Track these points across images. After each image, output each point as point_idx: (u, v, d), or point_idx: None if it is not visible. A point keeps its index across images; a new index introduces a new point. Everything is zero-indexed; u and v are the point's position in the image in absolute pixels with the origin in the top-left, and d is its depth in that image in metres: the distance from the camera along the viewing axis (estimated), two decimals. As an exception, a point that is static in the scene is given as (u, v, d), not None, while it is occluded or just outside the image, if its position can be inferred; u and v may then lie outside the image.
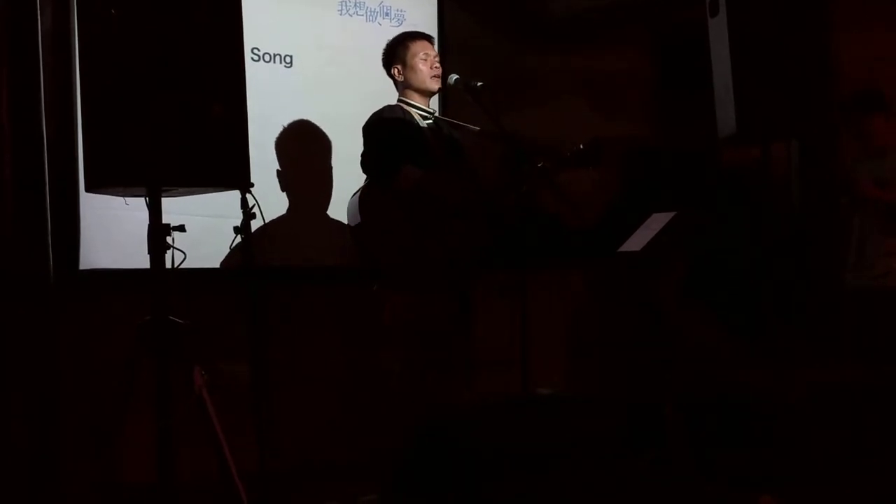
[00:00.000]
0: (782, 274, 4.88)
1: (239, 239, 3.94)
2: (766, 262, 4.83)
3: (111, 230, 4.75)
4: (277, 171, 5.15)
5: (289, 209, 5.18)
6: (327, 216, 5.26)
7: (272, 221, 5.01)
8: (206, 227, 4.24)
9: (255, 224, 4.00)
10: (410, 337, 4.55)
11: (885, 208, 5.29)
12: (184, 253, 3.73)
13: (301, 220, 5.26)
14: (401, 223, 4.49)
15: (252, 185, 3.77)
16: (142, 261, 3.67)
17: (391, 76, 4.82)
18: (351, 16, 5.59)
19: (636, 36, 6.54)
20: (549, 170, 4.52)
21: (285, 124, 5.21)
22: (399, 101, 4.79)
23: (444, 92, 4.98)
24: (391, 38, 4.90)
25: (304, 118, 5.27)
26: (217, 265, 4.80)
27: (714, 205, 5.89)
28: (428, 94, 4.78)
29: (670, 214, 4.87)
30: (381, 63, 4.85)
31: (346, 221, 4.69)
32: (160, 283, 3.65)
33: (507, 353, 4.91)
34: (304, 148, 5.29)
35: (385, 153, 4.57)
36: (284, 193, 5.16)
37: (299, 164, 5.28)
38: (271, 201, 5.06)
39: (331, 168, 5.29)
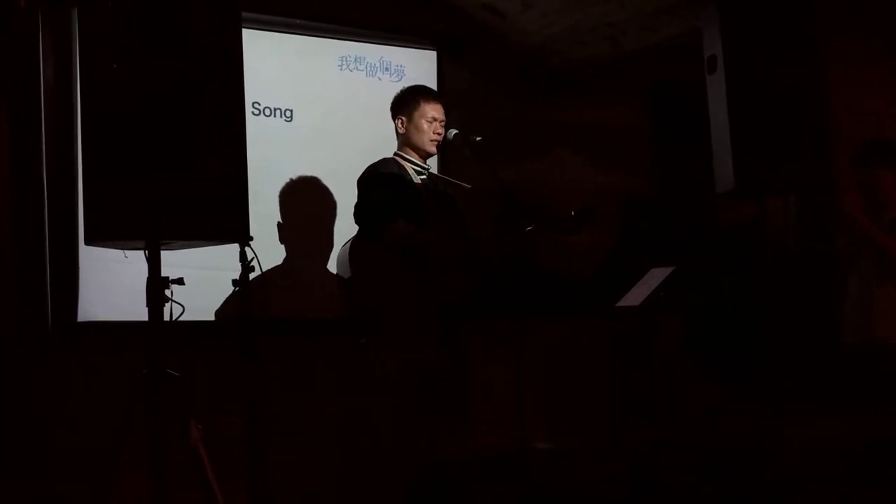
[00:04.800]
0: (780, 328, 4.87)
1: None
2: (763, 316, 4.83)
3: (110, 283, 4.76)
4: (278, 223, 5.17)
5: (286, 260, 5.19)
6: (327, 269, 5.27)
7: (269, 271, 5.00)
8: (204, 280, 4.23)
9: (254, 276, 4.00)
10: (401, 390, 4.53)
11: (880, 253, 5.27)
12: (182, 306, 3.73)
13: (299, 272, 5.26)
14: (390, 276, 4.49)
15: (251, 238, 3.77)
16: (140, 313, 3.66)
17: (395, 125, 4.84)
18: (351, 71, 5.63)
19: (634, 90, 6.58)
20: (536, 233, 4.53)
21: (293, 177, 5.25)
22: (396, 154, 4.81)
23: (444, 146, 5.00)
24: (405, 87, 4.92)
25: (311, 174, 5.29)
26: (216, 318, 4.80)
27: (711, 259, 5.89)
28: (425, 155, 4.80)
29: (668, 269, 4.87)
30: (379, 116, 4.87)
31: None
32: (158, 336, 3.64)
33: (504, 407, 4.89)
34: (308, 202, 5.31)
35: (377, 207, 4.59)
36: (283, 246, 5.17)
37: (302, 217, 5.30)
38: (270, 254, 5.07)
39: (332, 225, 5.31)
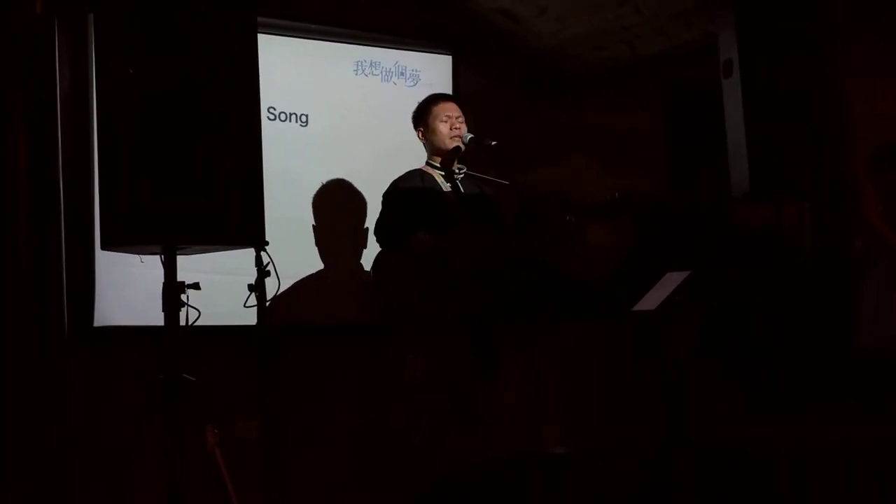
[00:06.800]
0: (795, 332, 4.86)
1: (253, 297, 3.94)
2: (779, 319, 4.82)
3: (126, 287, 4.77)
4: (313, 226, 5.25)
5: (326, 266, 5.28)
6: (361, 267, 5.32)
7: (307, 278, 5.13)
8: (220, 285, 4.24)
9: (282, 282, 4.00)
10: (431, 393, 4.56)
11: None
12: (198, 311, 3.73)
13: (335, 274, 5.32)
14: (414, 285, 4.51)
15: (267, 242, 3.78)
16: (156, 318, 3.67)
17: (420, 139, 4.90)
18: (367, 76, 5.64)
19: (648, 94, 6.58)
20: (577, 223, 4.55)
21: (324, 181, 5.32)
22: (427, 163, 4.87)
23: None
24: (419, 100, 4.96)
25: (330, 178, 5.34)
26: (232, 322, 4.79)
27: (727, 263, 5.88)
28: (447, 153, 4.81)
29: (685, 273, 4.86)
30: (394, 121, 4.91)
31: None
32: (174, 340, 3.64)
33: (517, 411, 4.89)
34: (342, 203, 5.36)
35: (395, 223, 4.69)
36: (297, 251, 5.18)
37: (337, 219, 5.36)
38: (287, 259, 5.07)
39: (364, 224, 5.35)
